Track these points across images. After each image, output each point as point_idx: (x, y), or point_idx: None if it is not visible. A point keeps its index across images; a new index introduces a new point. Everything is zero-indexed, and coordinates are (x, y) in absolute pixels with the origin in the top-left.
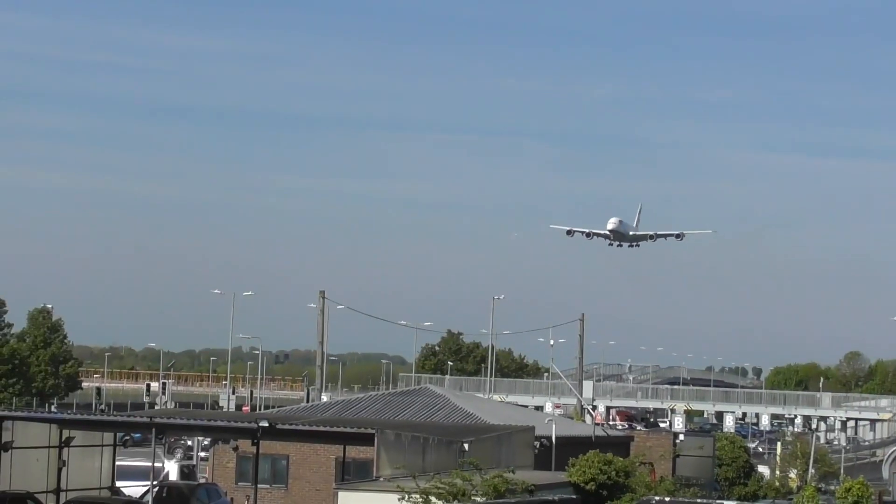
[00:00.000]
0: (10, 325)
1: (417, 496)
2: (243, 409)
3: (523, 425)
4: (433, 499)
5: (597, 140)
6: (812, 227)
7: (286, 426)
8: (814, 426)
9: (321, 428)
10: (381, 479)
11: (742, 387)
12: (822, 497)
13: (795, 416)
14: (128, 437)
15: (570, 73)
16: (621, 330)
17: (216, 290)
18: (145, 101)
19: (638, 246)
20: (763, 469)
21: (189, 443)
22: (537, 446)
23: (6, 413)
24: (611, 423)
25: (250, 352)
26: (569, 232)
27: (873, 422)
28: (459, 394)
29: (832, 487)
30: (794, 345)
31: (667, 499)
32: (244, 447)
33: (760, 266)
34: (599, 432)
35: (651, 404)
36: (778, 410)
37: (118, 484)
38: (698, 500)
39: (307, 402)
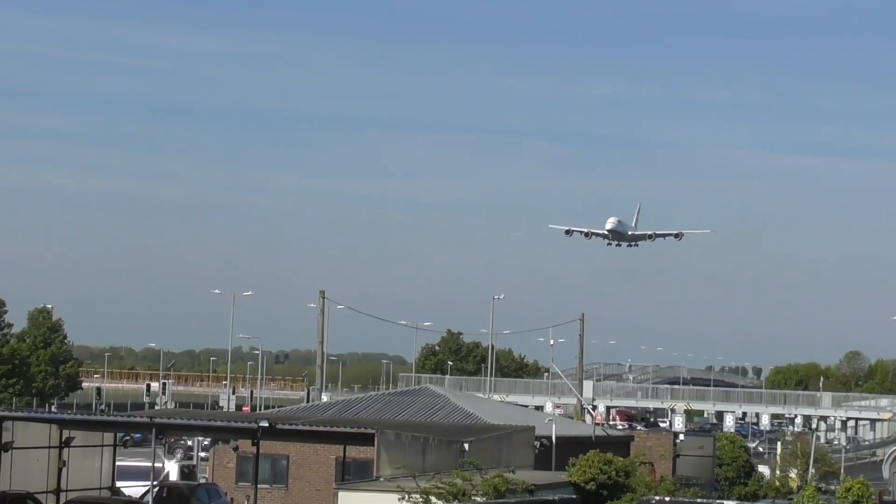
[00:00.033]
0: (10, 325)
1: (417, 496)
2: (243, 409)
3: (523, 425)
4: (433, 499)
5: (597, 140)
6: (812, 226)
7: (286, 426)
8: (814, 426)
9: (321, 428)
10: (382, 479)
11: (742, 386)
12: (822, 497)
13: (795, 416)
14: (128, 438)
15: (570, 73)
16: (621, 330)
17: (216, 290)
18: (145, 101)
19: (637, 246)
20: (763, 469)
21: (189, 443)
22: (537, 446)
23: (6, 413)
24: (611, 422)
25: (250, 352)
26: (567, 232)
27: (873, 421)
28: (459, 394)
29: (832, 487)
30: (794, 344)
31: (667, 499)
32: (244, 447)
33: (760, 265)
34: (599, 432)
35: (651, 404)
36: (778, 410)
37: (118, 484)
38: (698, 500)
39: (307, 402)
